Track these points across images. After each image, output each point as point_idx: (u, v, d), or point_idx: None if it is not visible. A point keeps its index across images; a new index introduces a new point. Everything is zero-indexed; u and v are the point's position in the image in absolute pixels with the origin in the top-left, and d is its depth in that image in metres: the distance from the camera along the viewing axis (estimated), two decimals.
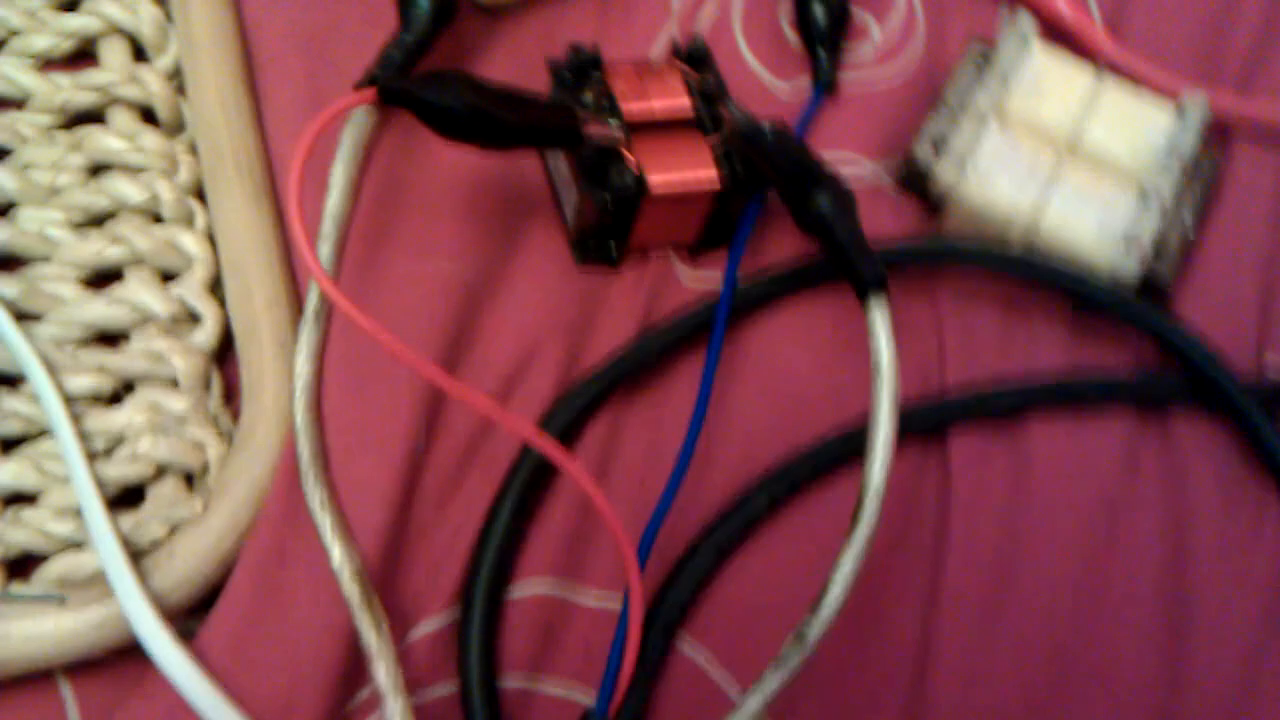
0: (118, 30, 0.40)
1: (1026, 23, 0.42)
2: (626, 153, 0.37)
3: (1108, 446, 0.38)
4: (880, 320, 0.34)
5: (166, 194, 0.38)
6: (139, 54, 0.41)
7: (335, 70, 0.40)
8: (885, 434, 0.32)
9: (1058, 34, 0.45)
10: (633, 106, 0.38)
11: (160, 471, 0.35)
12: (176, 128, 0.40)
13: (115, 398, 0.36)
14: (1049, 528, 0.37)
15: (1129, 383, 0.39)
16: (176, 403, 0.35)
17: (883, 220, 0.41)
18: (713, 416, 0.38)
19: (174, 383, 0.36)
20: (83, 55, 0.40)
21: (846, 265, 0.35)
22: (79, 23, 0.40)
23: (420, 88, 0.33)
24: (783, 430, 0.38)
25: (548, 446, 0.33)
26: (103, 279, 0.37)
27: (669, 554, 0.35)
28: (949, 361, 0.39)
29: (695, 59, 0.40)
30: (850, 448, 0.37)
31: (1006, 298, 0.40)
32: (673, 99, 0.38)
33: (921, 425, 0.38)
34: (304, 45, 0.41)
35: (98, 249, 0.37)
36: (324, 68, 0.40)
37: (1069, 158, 0.41)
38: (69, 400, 0.34)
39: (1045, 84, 0.42)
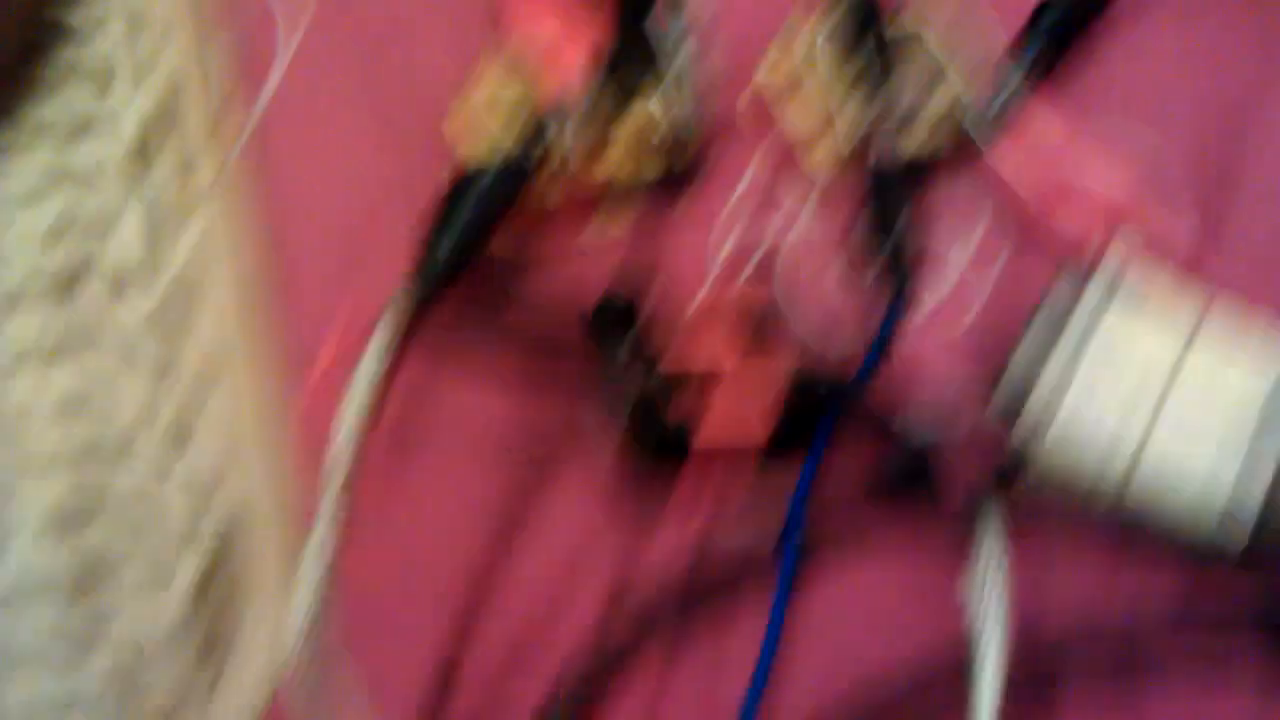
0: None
1: (1117, 256, 0.40)
2: (676, 401, 0.35)
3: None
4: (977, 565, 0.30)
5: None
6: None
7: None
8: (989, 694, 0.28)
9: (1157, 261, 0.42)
10: (679, 358, 0.35)
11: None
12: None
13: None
14: None
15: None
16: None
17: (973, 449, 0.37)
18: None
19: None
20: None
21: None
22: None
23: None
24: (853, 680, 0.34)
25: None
26: None
27: None
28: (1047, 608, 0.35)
29: (747, 305, 0.38)
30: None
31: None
32: (721, 350, 0.36)
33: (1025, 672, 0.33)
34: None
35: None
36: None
37: (1174, 388, 0.37)
38: None
39: (1146, 312, 0.38)
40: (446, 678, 0.34)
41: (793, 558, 0.34)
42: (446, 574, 0.35)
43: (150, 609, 0.33)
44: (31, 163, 0.39)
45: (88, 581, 0.33)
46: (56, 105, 0.40)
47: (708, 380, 0.35)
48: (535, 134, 0.39)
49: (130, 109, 0.40)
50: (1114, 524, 0.36)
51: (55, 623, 0.32)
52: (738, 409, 0.35)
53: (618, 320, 0.36)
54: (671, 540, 0.36)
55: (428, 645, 0.34)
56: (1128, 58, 0.45)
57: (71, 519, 0.34)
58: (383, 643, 0.34)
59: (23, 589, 0.33)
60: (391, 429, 0.37)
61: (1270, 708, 0.33)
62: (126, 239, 0.38)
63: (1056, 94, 0.44)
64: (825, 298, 0.41)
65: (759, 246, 0.42)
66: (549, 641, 0.34)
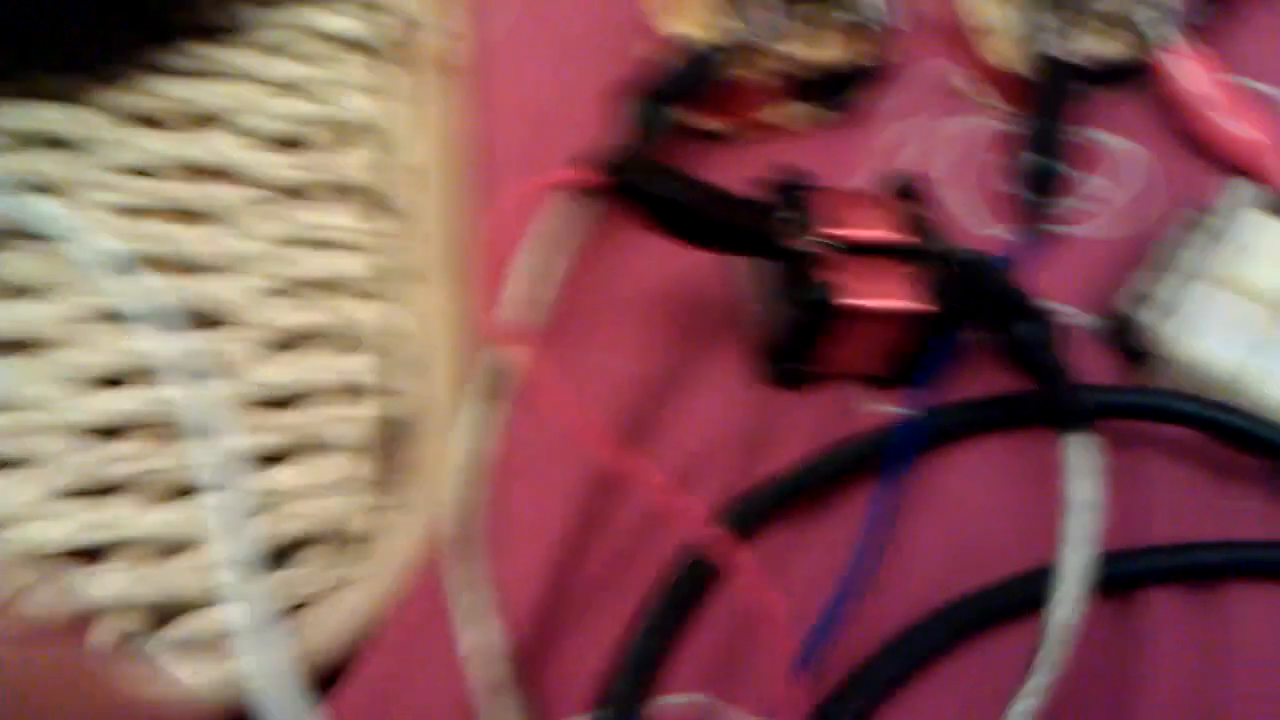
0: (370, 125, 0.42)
1: (1245, 190, 0.41)
2: (821, 269, 0.36)
3: None
4: (1080, 456, 0.32)
5: (372, 272, 0.39)
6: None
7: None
8: (1075, 572, 0.30)
9: None
10: (836, 230, 0.37)
11: (316, 534, 0.34)
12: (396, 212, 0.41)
13: (278, 458, 0.35)
14: (1247, 709, 0.34)
15: None
16: (337, 468, 0.35)
17: (1088, 373, 0.39)
18: (890, 547, 0.35)
19: (340, 448, 0.35)
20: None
21: (1050, 400, 0.33)
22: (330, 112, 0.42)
23: (650, 180, 0.33)
24: (964, 568, 0.35)
25: (718, 539, 0.31)
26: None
27: (831, 683, 0.33)
28: (1151, 519, 0.37)
29: (905, 193, 0.39)
30: (1038, 590, 0.34)
31: (1214, 457, 0.38)
32: (877, 227, 0.38)
33: (1114, 578, 0.35)
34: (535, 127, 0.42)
35: (286, 316, 0.37)
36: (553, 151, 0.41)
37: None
38: (238, 457, 0.34)
39: (1261, 250, 0.40)
40: (577, 543, 0.35)
41: (911, 431, 0.36)
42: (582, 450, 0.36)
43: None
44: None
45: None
46: None
47: (866, 253, 0.37)
48: (759, 14, 0.41)
49: None
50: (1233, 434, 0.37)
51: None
52: (889, 282, 0.36)
53: (789, 191, 0.38)
54: (803, 425, 0.38)
55: (558, 515, 0.35)
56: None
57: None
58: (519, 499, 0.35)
59: None
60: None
61: None
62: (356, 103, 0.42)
63: (1221, 39, 0.45)
64: (985, 192, 0.43)
65: (934, 140, 0.44)
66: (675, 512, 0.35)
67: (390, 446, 0.36)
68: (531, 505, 0.35)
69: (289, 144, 0.41)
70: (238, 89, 0.41)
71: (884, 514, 0.35)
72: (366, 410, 0.36)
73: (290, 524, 0.34)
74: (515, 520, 0.34)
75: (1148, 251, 0.41)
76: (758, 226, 0.35)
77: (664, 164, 0.33)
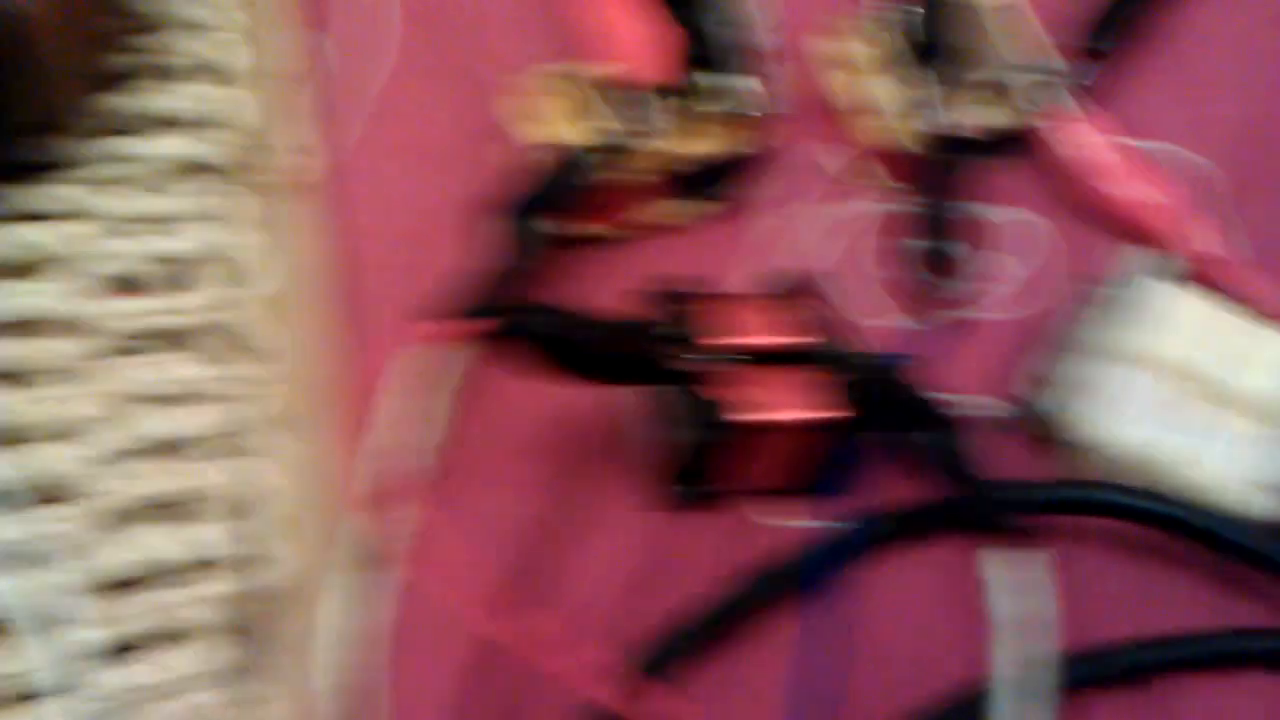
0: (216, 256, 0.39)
1: (1160, 261, 0.39)
2: (714, 387, 0.34)
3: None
4: (1001, 570, 0.30)
5: (230, 424, 0.35)
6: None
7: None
8: (1008, 697, 0.28)
9: (1199, 275, 0.40)
10: (728, 340, 0.35)
11: None
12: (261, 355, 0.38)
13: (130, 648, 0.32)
14: None
15: None
16: (194, 657, 0.31)
17: (1004, 464, 0.37)
18: (819, 677, 0.33)
19: (199, 633, 0.32)
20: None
21: (965, 510, 0.31)
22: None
23: (532, 321, 0.31)
24: (898, 691, 0.33)
25: (622, 693, 0.29)
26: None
27: None
28: (1101, 614, 0.35)
29: (801, 293, 0.37)
30: (976, 714, 0.32)
31: (1138, 544, 0.36)
32: (771, 331, 0.35)
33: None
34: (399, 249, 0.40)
35: (131, 486, 0.33)
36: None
37: (1208, 400, 0.37)
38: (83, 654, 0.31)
39: (1181, 323, 0.38)
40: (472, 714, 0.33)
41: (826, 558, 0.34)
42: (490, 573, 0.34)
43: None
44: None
45: None
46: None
47: (766, 362, 0.35)
48: (629, 111, 0.39)
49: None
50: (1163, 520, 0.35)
51: None
52: (792, 392, 0.34)
53: (676, 301, 0.36)
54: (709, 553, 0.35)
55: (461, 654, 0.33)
56: (1179, 75, 0.45)
57: None
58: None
59: None
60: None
61: None
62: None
63: (1111, 99, 0.44)
64: (880, 279, 0.41)
65: (828, 229, 0.42)
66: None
67: (257, 624, 0.32)
68: (417, 678, 0.32)
69: (128, 286, 0.37)
70: (67, 229, 0.37)
71: (815, 643, 0.32)
72: (227, 586, 0.32)
73: None
74: (401, 696, 0.32)
75: (1050, 330, 0.39)
76: (644, 351, 0.32)
77: (543, 303, 0.31)
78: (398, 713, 0.31)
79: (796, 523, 0.36)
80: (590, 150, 0.38)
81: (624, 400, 0.37)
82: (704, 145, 0.40)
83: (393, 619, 0.33)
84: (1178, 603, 0.35)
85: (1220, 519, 0.34)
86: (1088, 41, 0.44)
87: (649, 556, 0.35)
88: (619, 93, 0.39)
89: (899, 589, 0.35)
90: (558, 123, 0.39)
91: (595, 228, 0.40)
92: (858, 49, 0.42)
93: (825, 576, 0.33)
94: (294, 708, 0.31)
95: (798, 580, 0.34)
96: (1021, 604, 0.29)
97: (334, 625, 0.32)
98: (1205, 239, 0.41)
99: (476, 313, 0.32)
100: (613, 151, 0.38)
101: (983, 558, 0.30)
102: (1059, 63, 0.42)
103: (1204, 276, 0.40)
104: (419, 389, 0.34)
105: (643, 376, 0.33)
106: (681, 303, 0.36)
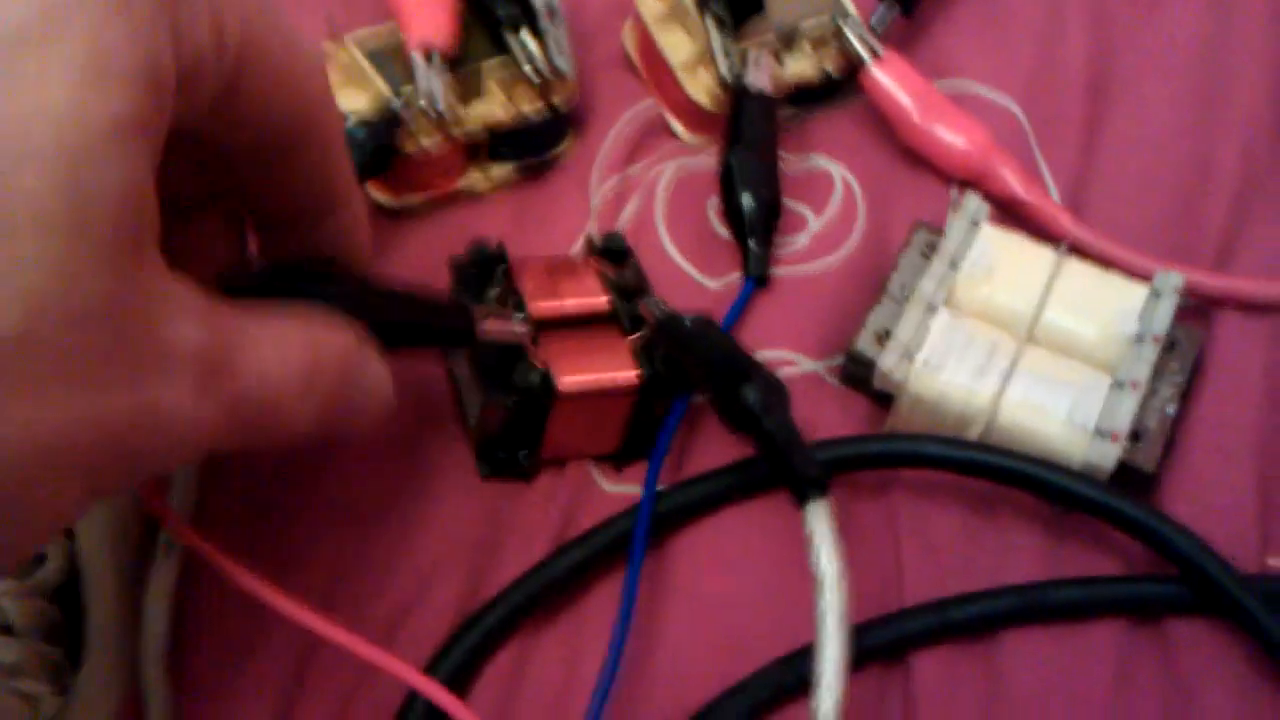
0: None
1: (975, 205, 0.39)
2: (531, 351, 0.33)
3: (1095, 661, 0.33)
4: (821, 527, 0.29)
5: None
6: None
7: None
8: (834, 658, 0.27)
9: (1014, 217, 0.41)
10: (541, 304, 0.34)
11: None
12: None
13: None
14: None
15: (1116, 589, 0.34)
16: (6, 651, 0.30)
17: (826, 420, 0.37)
18: (635, 648, 0.32)
19: (5, 628, 0.31)
20: None
21: (782, 467, 0.31)
22: None
23: (305, 285, 0.29)
24: (719, 661, 0.32)
25: (435, 693, 0.28)
26: None
27: None
28: (907, 574, 0.34)
29: (612, 254, 0.37)
30: (796, 677, 0.31)
31: (972, 497, 0.35)
32: (586, 296, 0.35)
33: (878, 647, 0.33)
34: None
35: None
36: None
37: (1030, 344, 0.36)
38: None
39: (999, 268, 0.38)
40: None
41: (646, 521, 0.33)
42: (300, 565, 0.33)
43: None
44: None
45: None
46: None
47: (577, 325, 0.34)
48: (406, 79, 0.38)
49: None
50: (980, 468, 0.34)
51: None
52: (606, 355, 0.34)
53: (486, 268, 0.35)
54: (535, 522, 0.35)
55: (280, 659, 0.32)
56: (978, 17, 0.45)
57: None
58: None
59: None
60: None
61: (1127, 675, 0.33)
62: None
63: (910, 43, 0.44)
64: (697, 243, 0.40)
65: (636, 189, 0.41)
66: (406, 643, 0.32)
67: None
68: (232, 673, 0.31)
69: None
70: None
71: (626, 621, 0.31)
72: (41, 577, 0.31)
73: None
74: (215, 692, 0.31)
75: (866, 280, 0.39)
76: (448, 320, 0.31)
77: (333, 271, 0.30)
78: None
79: (620, 488, 0.35)
80: (391, 119, 0.37)
81: (448, 367, 0.37)
82: (517, 108, 0.39)
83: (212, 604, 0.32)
84: (1013, 554, 0.35)
85: (1043, 465, 0.34)
86: None
87: (481, 529, 0.34)
88: (395, 60, 0.38)
89: (728, 550, 0.35)
90: (356, 92, 0.37)
91: (410, 198, 0.40)
92: (649, 4, 0.42)
93: (644, 543, 0.33)
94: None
95: (618, 548, 0.33)
96: (842, 559, 0.29)
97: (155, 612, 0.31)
98: (1013, 180, 0.41)
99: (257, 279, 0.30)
100: (418, 119, 0.37)
101: (804, 515, 0.30)
102: (850, 7, 0.42)
103: (1017, 218, 0.40)
104: None
105: (453, 340, 0.33)
106: (492, 268, 0.35)
